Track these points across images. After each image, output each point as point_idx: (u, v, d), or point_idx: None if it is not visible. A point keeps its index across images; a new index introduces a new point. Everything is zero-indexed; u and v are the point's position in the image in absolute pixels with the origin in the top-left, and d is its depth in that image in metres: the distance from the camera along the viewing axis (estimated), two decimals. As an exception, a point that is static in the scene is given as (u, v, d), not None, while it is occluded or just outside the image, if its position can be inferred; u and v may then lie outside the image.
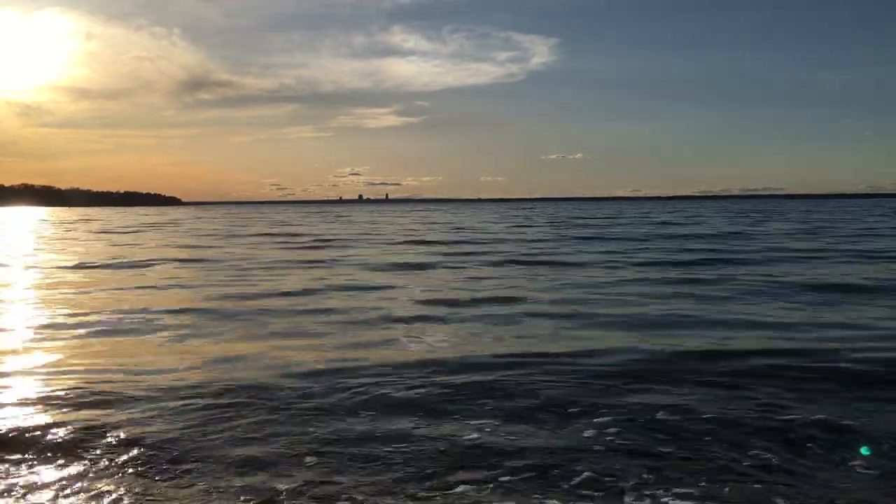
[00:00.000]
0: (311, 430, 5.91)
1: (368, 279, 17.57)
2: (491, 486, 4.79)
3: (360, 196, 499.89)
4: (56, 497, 4.68)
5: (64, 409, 6.45)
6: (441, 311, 12.19)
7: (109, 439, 5.67)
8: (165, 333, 10.33)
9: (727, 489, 4.72)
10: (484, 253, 25.51)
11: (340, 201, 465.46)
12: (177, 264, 22.45)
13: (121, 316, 11.84)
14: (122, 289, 15.86)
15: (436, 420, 6.14)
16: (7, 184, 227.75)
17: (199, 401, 6.67)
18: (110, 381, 7.44)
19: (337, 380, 7.40)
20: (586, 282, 16.27)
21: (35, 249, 30.00)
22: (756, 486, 4.78)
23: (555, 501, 4.58)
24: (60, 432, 5.80)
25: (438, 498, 4.64)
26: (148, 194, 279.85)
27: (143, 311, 12.35)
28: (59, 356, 8.77)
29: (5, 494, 4.73)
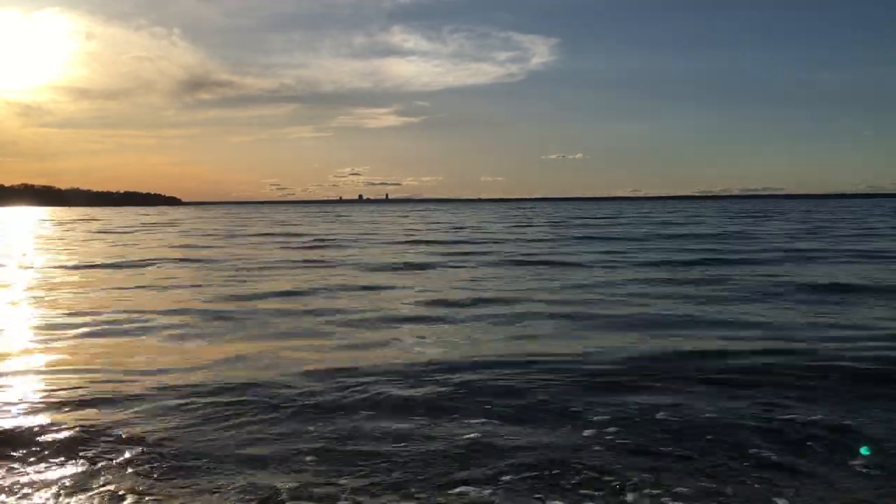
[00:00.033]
0: (311, 429, 5.92)
1: (369, 279, 17.57)
2: (491, 485, 4.79)
3: (360, 196, 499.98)
4: (56, 497, 4.68)
5: (64, 410, 6.45)
6: (441, 311, 12.19)
7: (109, 439, 5.67)
8: (165, 333, 10.33)
9: (727, 489, 4.72)
10: (484, 253, 25.51)
11: (340, 201, 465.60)
12: (176, 264, 22.45)
13: (120, 316, 11.84)
14: (121, 289, 15.86)
15: (436, 420, 6.14)
16: (7, 184, 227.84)
17: (199, 400, 6.67)
18: (110, 381, 7.44)
19: (337, 379, 7.40)
20: (586, 282, 16.28)
21: (35, 249, 30.00)
22: (756, 486, 4.78)
23: (555, 501, 4.58)
24: (60, 432, 5.80)
25: (438, 498, 4.64)
26: (148, 194, 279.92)
27: (143, 311, 12.35)
28: (59, 356, 8.77)
29: (6, 494, 4.73)
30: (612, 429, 5.86)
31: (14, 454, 5.39)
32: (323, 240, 35.13)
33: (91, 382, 7.36)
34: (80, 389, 7.06)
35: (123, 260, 23.68)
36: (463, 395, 6.87)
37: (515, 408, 6.46)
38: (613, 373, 7.63)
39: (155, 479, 4.96)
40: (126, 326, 10.90)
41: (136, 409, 6.47)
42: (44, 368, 8.12)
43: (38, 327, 10.82)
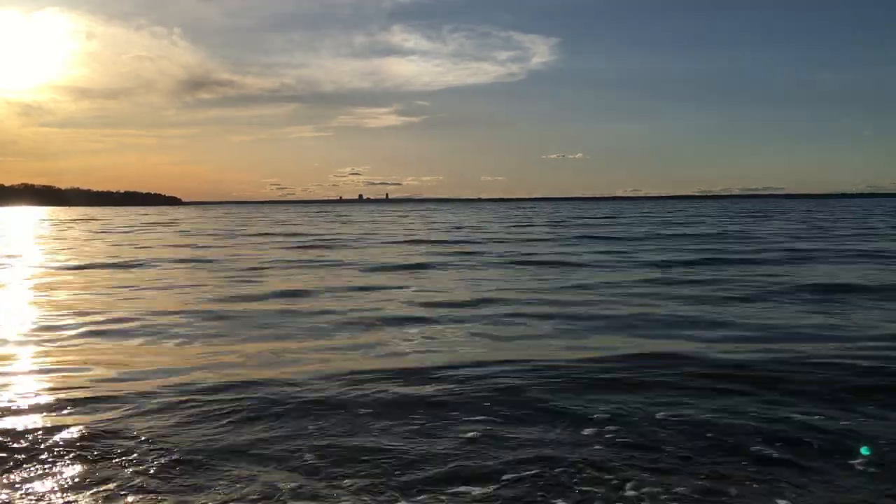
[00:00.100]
0: (312, 428, 5.92)
1: (369, 279, 17.58)
2: (491, 485, 4.80)
3: (361, 196, 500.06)
4: (57, 497, 4.69)
5: (65, 410, 6.46)
6: (441, 311, 12.20)
7: (110, 439, 5.67)
8: (165, 333, 10.33)
9: (727, 489, 4.72)
10: (484, 253, 25.52)
11: (340, 201, 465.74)
12: (176, 264, 22.45)
13: (121, 316, 11.85)
14: (121, 289, 15.87)
15: (436, 419, 6.15)
16: (7, 183, 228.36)
17: (200, 399, 6.68)
18: (111, 381, 7.45)
19: (337, 379, 7.41)
20: (586, 282, 16.28)
21: (35, 249, 30.01)
22: (756, 486, 4.78)
23: (555, 499, 4.59)
24: (61, 433, 5.81)
25: (439, 497, 4.64)
26: (148, 194, 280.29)
27: (143, 311, 12.37)
28: (60, 357, 8.78)
29: (7, 494, 4.74)
30: (612, 428, 5.87)
31: (15, 454, 5.40)
32: (323, 240, 35.15)
33: (91, 382, 7.37)
34: (80, 389, 7.07)
35: (124, 260, 23.70)
36: (463, 393, 6.88)
37: (515, 406, 6.47)
38: (613, 372, 7.64)
39: (155, 478, 4.96)
40: (126, 326, 10.91)
41: (136, 408, 6.47)
42: (44, 368, 8.13)
43: (38, 328, 10.82)
